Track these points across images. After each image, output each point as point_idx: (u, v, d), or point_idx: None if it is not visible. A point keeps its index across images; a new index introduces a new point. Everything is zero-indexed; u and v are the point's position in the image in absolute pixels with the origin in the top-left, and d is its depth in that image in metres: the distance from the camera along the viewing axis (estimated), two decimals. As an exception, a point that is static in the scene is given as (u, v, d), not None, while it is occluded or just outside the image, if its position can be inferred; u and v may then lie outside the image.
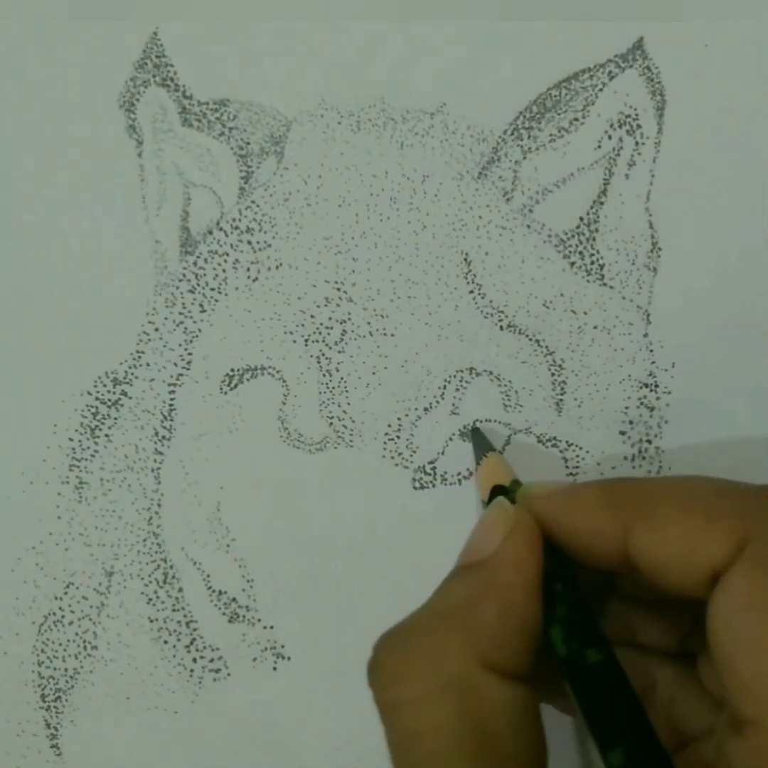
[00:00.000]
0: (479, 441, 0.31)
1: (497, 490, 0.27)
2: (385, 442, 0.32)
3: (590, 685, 0.22)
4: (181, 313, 0.33)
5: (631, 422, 0.32)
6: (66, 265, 0.34)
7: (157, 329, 0.33)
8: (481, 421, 0.32)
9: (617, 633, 0.26)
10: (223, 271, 0.33)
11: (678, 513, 0.21)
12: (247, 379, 0.33)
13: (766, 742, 0.19)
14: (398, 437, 0.32)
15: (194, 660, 0.33)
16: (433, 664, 0.21)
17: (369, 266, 0.32)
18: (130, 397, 0.33)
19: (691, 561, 0.21)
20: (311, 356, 0.32)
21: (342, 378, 0.32)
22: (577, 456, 0.32)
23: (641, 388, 0.32)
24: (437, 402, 0.32)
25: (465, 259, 0.32)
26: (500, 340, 0.32)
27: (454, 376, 0.32)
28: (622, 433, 0.32)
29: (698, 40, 0.32)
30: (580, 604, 0.23)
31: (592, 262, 0.32)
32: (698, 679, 0.24)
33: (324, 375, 0.32)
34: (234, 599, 0.33)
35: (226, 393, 0.33)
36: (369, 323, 0.32)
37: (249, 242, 0.33)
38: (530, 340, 0.32)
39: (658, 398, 0.32)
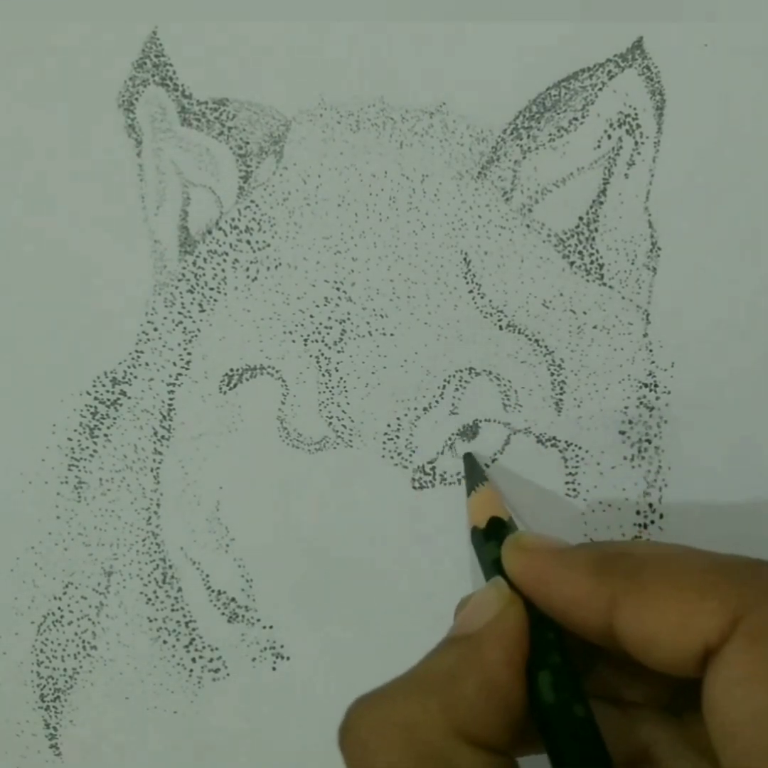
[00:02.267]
0: (471, 467, 0.31)
1: (493, 523, 0.27)
2: (384, 442, 0.32)
3: (570, 741, 0.22)
4: (180, 313, 0.33)
5: (630, 422, 0.32)
6: (65, 264, 0.34)
7: (156, 329, 0.33)
8: (476, 429, 0.32)
9: (600, 688, 0.25)
10: (223, 270, 0.33)
11: (669, 586, 0.21)
12: (247, 379, 0.33)
13: None
14: (397, 437, 0.32)
15: (193, 660, 0.33)
16: (407, 735, 0.20)
17: (368, 266, 0.32)
18: (129, 397, 0.33)
19: (683, 637, 0.20)
20: (310, 356, 0.32)
21: (341, 378, 0.32)
22: (577, 456, 0.32)
23: (641, 387, 0.32)
24: (436, 402, 0.32)
25: (464, 259, 0.32)
26: (499, 339, 0.32)
27: (454, 376, 0.32)
28: (622, 432, 0.32)
29: (698, 40, 0.32)
30: (567, 657, 0.23)
31: (592, 262, 0.32)
32: (683, 735, 0.24)
33: (323, 375, 0.32)
34: (233, 599, 0.33)
35: (225, 393, 0.33)
36: (368, 323, 0.32)
37: (248, 242, 0.33)
38: (529, 339, 0.32)
39: (657, 398, 0.32)
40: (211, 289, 0.33)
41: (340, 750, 0.21)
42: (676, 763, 0.24)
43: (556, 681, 0.22)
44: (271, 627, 0.33)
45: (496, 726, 0.21)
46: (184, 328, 0.33)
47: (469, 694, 0.21)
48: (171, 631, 0.33)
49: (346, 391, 0.32)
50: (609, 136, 0.32)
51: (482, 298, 0.32)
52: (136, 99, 0.34)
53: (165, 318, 0.33)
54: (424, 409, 0.32)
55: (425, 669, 0.22)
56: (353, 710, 0.22)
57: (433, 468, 0.32)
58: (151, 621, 0.33)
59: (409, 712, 0.21)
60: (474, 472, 0.31)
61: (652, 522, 0.31)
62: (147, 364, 0.33)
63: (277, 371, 0.33)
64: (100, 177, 0.34)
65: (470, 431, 0.32)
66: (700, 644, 0.20)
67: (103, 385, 0.33)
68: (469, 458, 0.31)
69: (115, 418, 0.33)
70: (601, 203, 0.32)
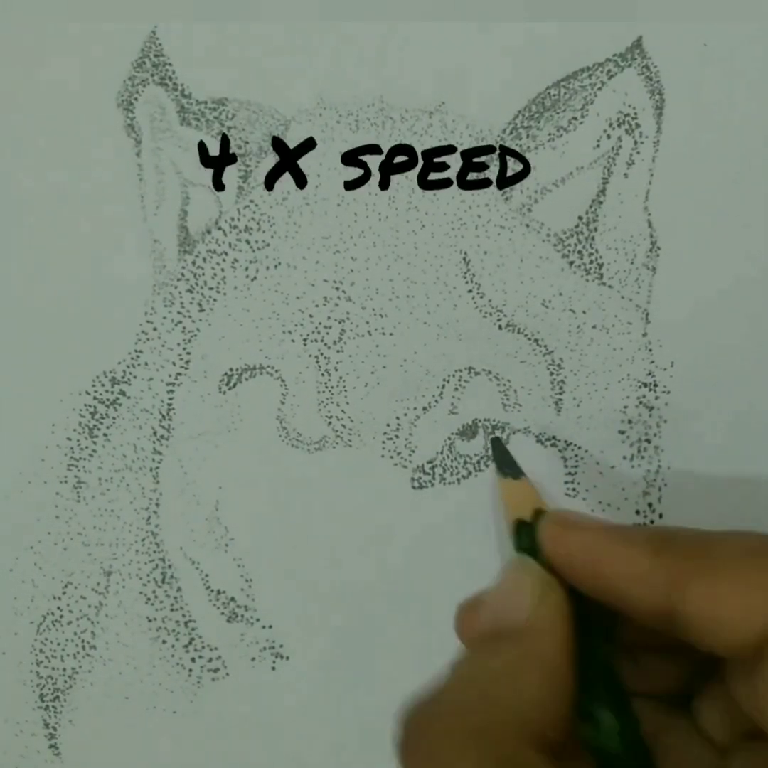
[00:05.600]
0: (502, 457, 0.30)
1: (520, 523, 0.26)
2: (384, 442, 0.32)
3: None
4: (179, 313, 0.33)
5: (629, 421, 0.32)
6: (64, 264, 0.34)
7: (155, 329, 0.33)
8: (488, 425, 0.32)
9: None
10: (222, 270, 0.33)
11: (739, 568, 0.21)
12: (246, 379, 0.33)
13: None
14: (397, 437, 0.32)
15: (193, 659, 0.33)
16: (481, 743, 0.19)
17: (367, 265, 0.32)
18: (129, 397, 0.33)
19: (748, 619, 0.20)
20: (310, 356, 0.32)
21: (341, 377, 0.32)
22: (576, 455, 0.32)
23: (640, 387, 0.32)
24: (436, 401, 0.32)
25: (464, 259, 0.32)
26: (499, 339, 0.32)
27: (453, 376, 0.32)
28: (621, 432, 0.32)
29: (697, 39, 0.32)
30: (617, 682, 0.22)
31: (591, 262, 0.32)
32: (691, 725, 0.24)
33: (322, 374, 0.32)
34: (232, 599, 0.33)
35: (224, 392, 0.33)
36: (368, 322, 0.32)
37: (247, 241, 0.33)
38: (529, 339, 0.32)
39: (657, 398, 0.32)
40: (211, 288, 0.33)
41: (402, 764, 0.20)
42: (684, 752, 0.24)
43: (622, 725, 0.22)
44: (270, 627, 0.33)
45: (560, 720, 0.20)
46: (184, 328, 0.33)
47: (535, 692, 0.20)
48: (170, 630, 0.33)
49: (345, 390, 0.32)
50: (608, 136, 0.32)
51: (481, 297, 0.32)
52: (136, 98, 0.34)
53: (164, 318, 0.33)
54: (424, 408, 0.32)
55: (477, 671, 0.21)
56: (411, 723, 0.20)
57: (432, 468, 0.32)
58: (150, 621, 0.33)
59: (479, 718, 0.19)
60: (504, 460, 0.29)
61: (652, 522, 0.31)
62: (146, 363, 0.33)
63: (276, 371, 0.33)
64: (100, 176, 0.34)
65: (470, 431, 0.32)
66: (762, 627, 0.20)
67: (103, 385, 0.33)
68: (497, 443, 0.30)
69: (114, 418, 0.33)
70: (601, 203, 0.32)
